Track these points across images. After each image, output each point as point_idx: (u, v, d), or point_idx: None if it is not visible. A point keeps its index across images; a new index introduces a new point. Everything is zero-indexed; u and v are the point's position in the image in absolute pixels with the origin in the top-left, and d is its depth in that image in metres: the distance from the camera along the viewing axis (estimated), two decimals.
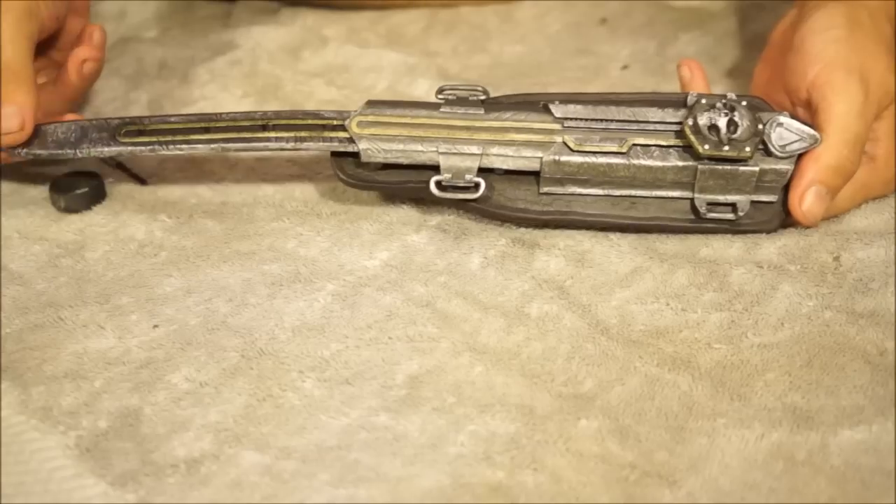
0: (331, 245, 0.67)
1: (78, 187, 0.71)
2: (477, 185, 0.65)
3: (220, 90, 0.82)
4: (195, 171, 0.74)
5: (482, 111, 0.66)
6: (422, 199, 0.70)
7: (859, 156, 0.64)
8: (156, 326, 0.62)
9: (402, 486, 0.53)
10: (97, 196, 0.71)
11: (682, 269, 0.64)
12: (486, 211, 0.66)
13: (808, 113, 0.65)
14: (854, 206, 0.67)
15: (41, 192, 0.72)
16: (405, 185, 0.67)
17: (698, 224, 0.66)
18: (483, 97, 0.67)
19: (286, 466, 0.54)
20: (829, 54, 0.65)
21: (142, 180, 0.74)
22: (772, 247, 0.65)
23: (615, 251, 0.66)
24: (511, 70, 0.84)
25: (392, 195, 0.70)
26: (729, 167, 0.64)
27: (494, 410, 0.56)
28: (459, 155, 0.65)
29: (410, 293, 0.63)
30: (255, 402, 0.57)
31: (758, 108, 0.65)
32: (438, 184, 0.65)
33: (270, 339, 0.61)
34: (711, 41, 0.85)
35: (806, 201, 0.64)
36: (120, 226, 0.69)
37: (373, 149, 0.65)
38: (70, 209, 0.70)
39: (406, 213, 0.69)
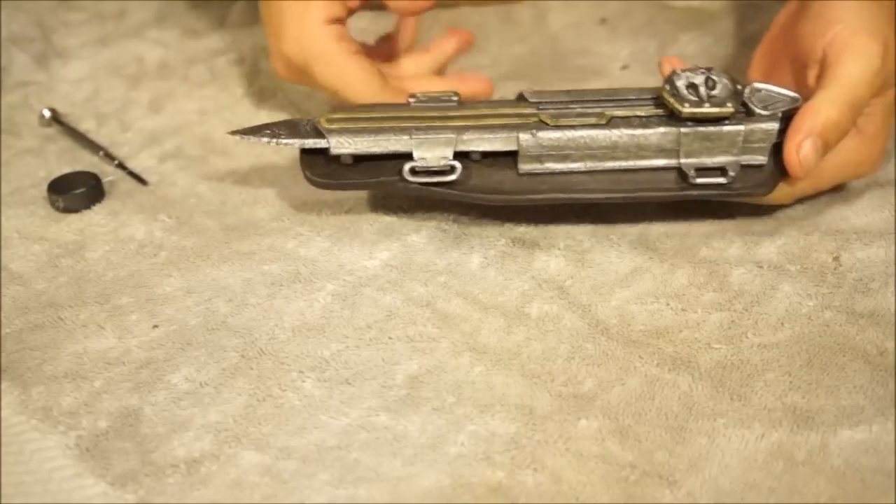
0: (331, 245, 0.67)
1: (76, 187, 0.71)
2: (453, 168, 0.63)
3: (220, 90, 0.82)
4: (195, 170, 0.74)
5: (455, 105, 0.66)
6: (422, 200, 0.70)
7: (854, 121, 0.64)
8: (156, 326, 0.62)
9: (402, 486, 0.53)
10: (96, 195, 0.71)
11: (682, 269, 0.64)
12: (465, 196, 0.64)
13: (818, 72, 0.65)
14: (837, 181, 0.67)
15: (41, 192, 0.72)
16: (378, 181, 0.65)
17: (688, 191, 0.64)
18: (456, 99, 0.66)
19: (286, 466, 0.54)
20: (852, 17, 0.64)
21: (142, 180, 0.74)
22: (772, 247, 0.65)
23: (615, 251, 0.66)
24: (511, 70, 0.83)
25: (377, 199, 0.70)
26: (713, 128, 0.63)
27: (494, 410, 0.56)
28: (433, 139, 0.63)
29: (410, 293, 0.63)
30: (255, 402, 0.57)
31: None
32: (413, 170, 0.64)
33: (270, 339, 0.61)
34: (711, 41, 0.85)
35: (803, 149, 0.62)
36: (120, 226, 0.69)
37: (342, 141, 0.64)
38: (69, 209, 0.70)
39: (406, 213, 0.69)
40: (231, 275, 0.65)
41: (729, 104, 0.62)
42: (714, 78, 0.63)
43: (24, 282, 0.66)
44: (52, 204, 0.71)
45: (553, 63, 0.84)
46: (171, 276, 0.65)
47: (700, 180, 0.63)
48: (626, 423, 0.55)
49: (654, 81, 0.78)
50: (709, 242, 0.66)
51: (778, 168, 0.64)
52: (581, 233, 0.67)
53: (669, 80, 0.63)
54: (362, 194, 0.70)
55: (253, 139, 0.66)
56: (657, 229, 0.67)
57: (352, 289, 0.64)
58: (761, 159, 0.64)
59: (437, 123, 0.64)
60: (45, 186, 0.72)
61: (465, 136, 0.63)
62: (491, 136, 0.63)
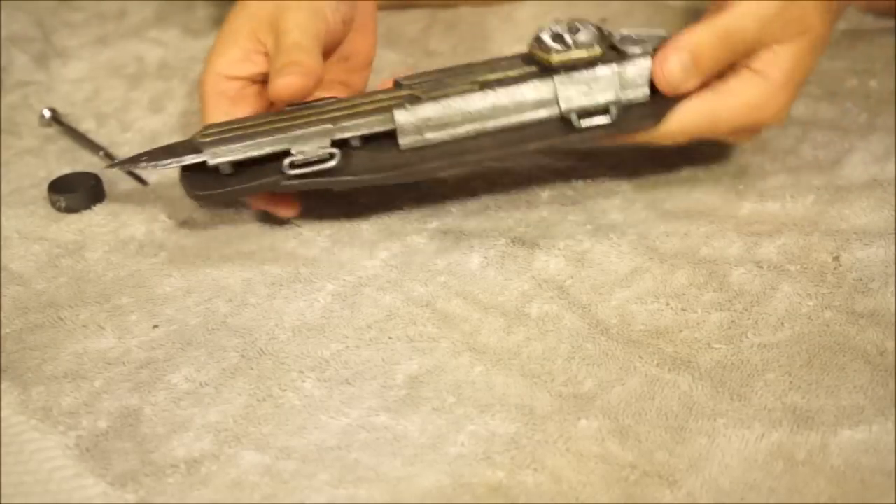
0: (331, 245, 0.67)
1: (77, 187, 0.71)
2: (331, 155, 0.63)
3: None
4: None
5: (332, 101, 0.66)
6: (422, 200, 0.70)
7: (732, 51, 0.63)
8: (156, 326, 0.62)
9: (402, 486, 0.53)
10: (96, 196, 0.71)
11: (682, 269, 0.64)
12: (349, 182, 0.64)
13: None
14: (737, 125, 0.65)
15: (41, 192, 0.72)
16: (260, 183, 0.64)
17: (574, 135, 0.64)
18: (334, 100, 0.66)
19: (286, 466, 0.54)
20: None
21: (142, 180, 0.74)
22: (772, 247, 0.65)
23: (615, 251, 0.66)
24: None
25: (376, 200, 0.69)
26: (586, 72, 0.63)
27: (494, 410, 0.56)
28: (309, 133, 0.63)
29: (410, 293, 0.63)
30: (255, 402, 0.57)
31: None
32: (292, 164, 0.63)
33: (270, 339, 0.61)
34: None
35: (667, 64, 0.63)
36: (120, 226, 0.69)
37: (218, 150, 0.63)
38: (70, 209, 0.70)
39: (406, 213, 0.69)
40: (231, 275, 0.65)
41: (596, 46, 0.63)
42: (579, 25, 0.64)
43: (24, 282, 0.66)
44: (53, 204, 0.71)
45: None
46: (171, 276, 0.65)
47: (585, 123, 0.64)
48: (626, 423, 0.55)
49: None
50: (709, 242, 0.66)
51: (663, 98, 0.64)
52: (581, 233, 0.67)
53: (536, 37, 0.64)
54: (362, 194, 0.70)
55: (130, 167, 0.67)
56: (657, 229, 0.67)
57: (352, 289, 0.64)
58: (643, 93, 0.64)
59: (314, 118, 0.64)
60: (45, 186, 0.72)
61: (342, 124, 0.63)
62: (366, 119, 0.64)
